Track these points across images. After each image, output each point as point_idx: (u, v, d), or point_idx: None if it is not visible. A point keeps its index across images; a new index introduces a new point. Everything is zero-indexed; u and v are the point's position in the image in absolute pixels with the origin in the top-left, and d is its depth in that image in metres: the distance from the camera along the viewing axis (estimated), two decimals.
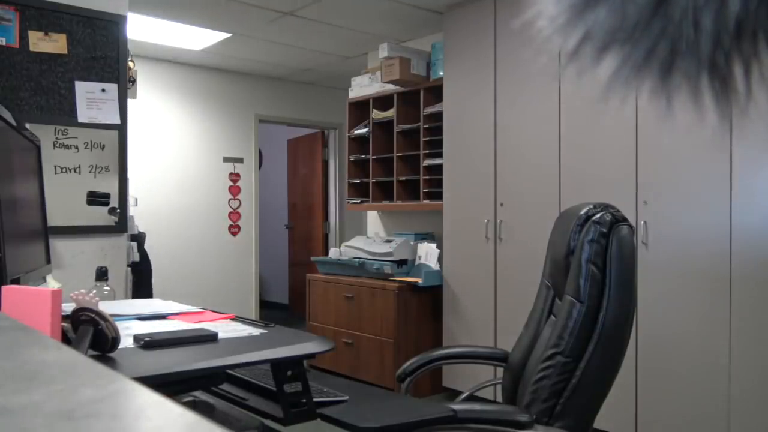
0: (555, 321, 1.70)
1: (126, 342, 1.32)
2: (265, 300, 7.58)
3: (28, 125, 2.57)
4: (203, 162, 5.86)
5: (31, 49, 2.77)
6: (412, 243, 4.34)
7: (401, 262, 4.23)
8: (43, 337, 0.63)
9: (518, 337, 1.94)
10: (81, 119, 2.88)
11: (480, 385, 2.12)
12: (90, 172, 2.90)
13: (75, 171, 2.86)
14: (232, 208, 6.00)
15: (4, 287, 1.17)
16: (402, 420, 1.42)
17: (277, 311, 7.58)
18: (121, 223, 2.97)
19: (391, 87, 4.60)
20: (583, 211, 1.68)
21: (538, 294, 1.92)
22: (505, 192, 3.66)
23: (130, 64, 3.16)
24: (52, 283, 2.10)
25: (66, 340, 1.22)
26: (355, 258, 4.51)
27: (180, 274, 5.61)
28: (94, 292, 1.76)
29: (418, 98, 4.43)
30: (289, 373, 1.35)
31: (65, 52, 2.85)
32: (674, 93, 0.46)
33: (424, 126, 4.36)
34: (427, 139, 4.34)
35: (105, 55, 2.95)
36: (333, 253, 4.85)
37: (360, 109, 4.97)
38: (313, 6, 4.13)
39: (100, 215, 2.92)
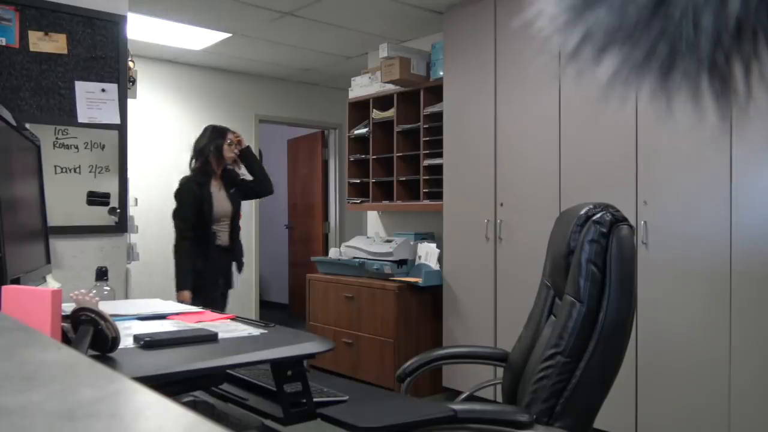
0: (555, 321, 1.70)
1: (126, 342, 1.32)
2: (265, 300, 7.58)
3: (28, 125, 2.56)
4: None
5: (31, 49, 2.77)
6: (412, 243, 4.34)
7: (401, 262, 4.23)
8: (43, 337, 0.63)
9: (518, 337, 1.94)
10: (81, 119, 2.87)
11: (480, 385, 2.12)
12: (90, 172, 2.90)
13: (75, 171, 2.86)
14: None
15: (4, 287, 1.17)
16: (402, 420, 1.42)
17: (277, 311, 7.58)
18: (121, 223, 2.97)
19: (391, 87, 4.60)
20: (583, 211, 1.68)
21: (538, 294, 1.92)
22: (505, 192, 3.66)
23: (130, 64, 3.16)
24: (52, 283, 2.10)
25: (66, 340, 1.22)
26: (355, 258, 4.51)
27: None
28: (94, 292, 1.76)
29: (418, 98, 4.43)
30: (289, 373, 1.35)
31: (65, 52, 2.85)
32: (674, 93, 0.46)
33: (424, 126, 4.36)
34: (427, 139, 4.34)
35: (105, 55, 2.95)
36: (333, 253, 4.84)
37: (360, 109, 4.97)
38: (313, 6, 4.13)
39: (100, 215, 2.92)
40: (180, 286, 3.30)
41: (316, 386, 1.54)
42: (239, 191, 3.62)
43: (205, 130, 3.58)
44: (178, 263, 3.34)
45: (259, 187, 3.71)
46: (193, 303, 3.27)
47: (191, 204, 3.38)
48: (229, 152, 3.51)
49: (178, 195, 3.45)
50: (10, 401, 0.37)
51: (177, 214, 3.42)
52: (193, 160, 3.54)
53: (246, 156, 3.61)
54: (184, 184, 3.47)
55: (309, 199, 7.13)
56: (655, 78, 0.46)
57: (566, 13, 0.47)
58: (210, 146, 3.47)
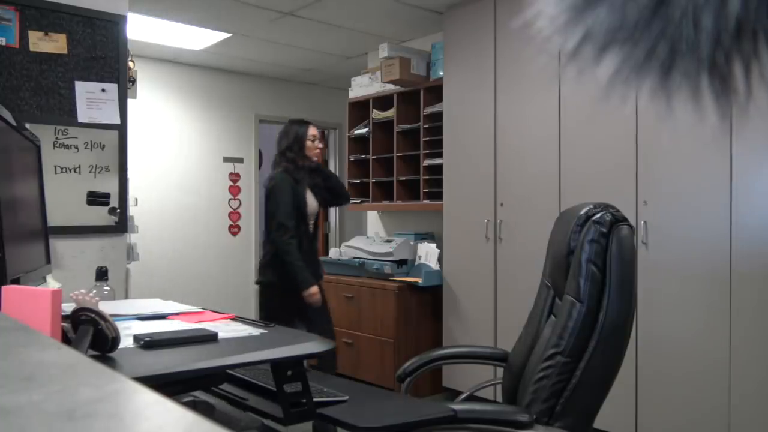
0: (555, 321, 1.70)
1: (126, 342, 1.32)
2: None
3: (28, 125, 2.56)
4: (203, 162, 5.86)
5: (31, 49, 2.77)
6: (412, 243, 4.34)
7: (401, 262, 4.23)
8: (43, 337, 0.63)
9: (518, 336, 1.94)
10: (81, 119, 2.87)
11: (480, 385, 2.12)
12: (90, 172, 2.90)
13: (75, 171, 2.86)
14: (232, 208, 6.00)
15: (4, 287, 1.17)
16: (402, 420, 1.42)
17: None
18: (121, 223, 2.97)
19: (391, 87, 4.60)
20: (583, 211, 1.68)
21: (538, 294, 1.92)
22: (505, 192, 3.66)
23: (130, 64, 3.16)
24: (52, 283, 2.10)
25: (66, 340, 1.22)
26: (355, 258, 4.51)
27: (180, 274, 5.61)
28: (94, 292, 1.76)
29: (418, 98, 4.43)
30: (289, 373, 1.35)
31: (65, 52, 2.85)
32: (674, 93, 0.46)
33: (424, 126, 4.36)
34: (427, 139, 4.34)
35: (105, 55, 2.95)
36: (333, 253, 4.84)
37: (360, 109, 4.97)
38: (313, 6, 4.13)
39: (100, 215, 2.92)
40: (305, 284, 3.18)
41: (316, 386, 1.54)
42: (319, 193, 3.46)
43: (287, 123, 3.46)
44: (294, 263, 3.17)
45: (338, 195, 3.56)
46: (297, 306, 3.23)
47: (291, 200, 3.21)
48: (313, 148, 3.36)
49: (276, 191, 3.24)
50: (9, 401, 0.37)
51: (279, 212, 3.20)
52: (278, 156, 3.39)
53: (320, 170, 3.50)
54: (282, 180, 3.26)
55: None
56: (655, 78, 0.46)
57: (566, 13, 0.47)
58: (294, 143, 3.32)
